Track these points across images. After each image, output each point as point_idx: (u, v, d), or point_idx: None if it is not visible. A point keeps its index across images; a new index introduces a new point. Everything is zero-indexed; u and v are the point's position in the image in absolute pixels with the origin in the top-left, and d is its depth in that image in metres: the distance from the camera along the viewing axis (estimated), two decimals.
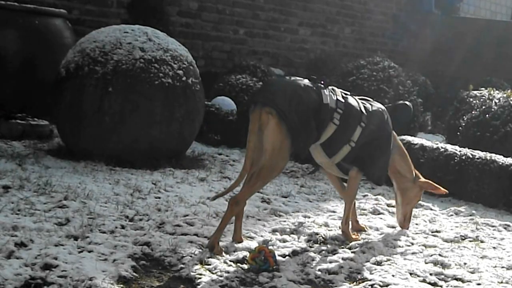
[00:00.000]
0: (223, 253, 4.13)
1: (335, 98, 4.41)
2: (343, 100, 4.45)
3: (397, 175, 4.96)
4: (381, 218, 5.43)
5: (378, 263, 4.27)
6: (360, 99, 4.72)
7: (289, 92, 4.19)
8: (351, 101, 4.54)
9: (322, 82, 4.41)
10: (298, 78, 4.40)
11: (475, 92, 8.60)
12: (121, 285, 3.56)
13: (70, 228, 4.23)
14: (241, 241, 4.39)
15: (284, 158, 4.22)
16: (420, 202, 5.96)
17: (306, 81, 4.34)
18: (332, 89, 4.48)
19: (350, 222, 4.80)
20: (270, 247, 4.17)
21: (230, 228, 4.56)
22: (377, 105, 4.77)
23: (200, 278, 3.73)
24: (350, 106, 4.49)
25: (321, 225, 4.97)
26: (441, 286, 4.01)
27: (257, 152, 4.20)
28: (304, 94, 4.22)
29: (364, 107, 4.62)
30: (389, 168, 4.84)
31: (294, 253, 4.32)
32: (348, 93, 4.64)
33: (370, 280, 3.96)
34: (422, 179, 5.00)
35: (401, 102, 5.32)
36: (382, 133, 4.68)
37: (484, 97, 8.15)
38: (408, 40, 15.32)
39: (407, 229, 5.05)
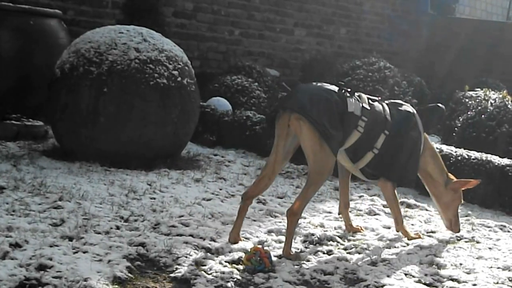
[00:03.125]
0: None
1: (361, 106, 4.45)
2: (368, 108, 4.50)
3: (428, 178, 4.96)
4: (377, 219, 5.42)
5: (374, 264, 4.27)
6: (390, 103, 4.79)
7: (316, 98, 4.27)
8: (377, 108, 4.60)
9: (348, 89, 4.44)
10: (324, 84, 4.47)
11: (470, 92, 8.61)
12: (116, 286, 3.55)
13: (65, 229, 4.23)
14: (237, 241, 4.39)
15: (328, 159, 4.27)
16: (415, 202, 5.98)
17: (332, 87, 4.40)
18: (359, 95, 4.52)
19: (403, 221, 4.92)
20: (265, 248, 4.17)
21: (226, 229, 4.58)
22: (406, 109, 4.81)
23: (195, 279, 3.73)
24: (375, 113, 4.55)
25: (316, 226, 4.97)
26: (436, 286, 4.00)
27: (281, 157, 4.33)
28: (330, 100, 4.28)
29: (390, 113, 4.66)
30: (419, 170, 4.86)
31: None
32: (376, 98, 4.71)
33: (365, 280, 3.96)
34: (454, 179, 4.96)
35: (433, 104, 5.32)
36: (408, 137, 4.71)
37: (479, 98, 8.16)
38: (404, 41, 15.31)
39: (458, 232, 5.02)
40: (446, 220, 5.01)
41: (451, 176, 4.98)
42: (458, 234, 5.06)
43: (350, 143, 4.47)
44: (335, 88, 4.40)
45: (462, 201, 5.00)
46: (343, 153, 4.57)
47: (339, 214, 5.05)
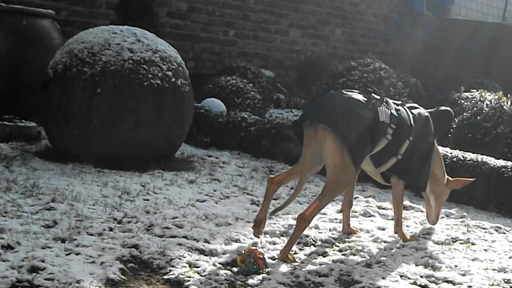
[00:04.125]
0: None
1: (389, 113, 4.49)
2: (396, 114, 4.55)
3: (433, 179, 5.05)
4: (372, 221, 5.41)
5: (369, 266, 4.26)
6: (409, 107, 4.83)
7: (346, 109, 4.27)
8: (403, 114, 4.63)
9: (377, 97, 4.46)
10: (354, 92, 4.47)
11: (466, 94, 8.61)
12: None
13: (57, 231, 4.20)
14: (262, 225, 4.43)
15: (347, 171, 4.28)
16: (411, 204, 5.98)
17: (361, 97, 4.40)
18: (386, 101, 4.54)
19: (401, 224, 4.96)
20: (259, 250, 4.16)
21: (220, 231, 4.57)
22: (423, 113, 4.87)
23: (189, 281, 3.71)
24: (402, 120, 4.59)
25: (311, 228, 4.93)
26: None
27: (310, 168, 4.39)
28: (360, 112, 4.30)
29: (413, 118, 4.71)
30: None
31: None
32: (399, 102, 4.75)
33: (360, 282, 3.95)
34: (450, 179, 5.16)
35: (443, 108, 5.36)
36: (427, 142, 4.82)
37: (475, 99, 8.15)
38: (400, 42, 15.33)
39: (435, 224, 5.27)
40: (433, 215, 5.20)
41: (447, 176, 5.17)
42: (453, 236, 5.08)
43: (378, 149, 4.53)
44: (364, 98, 4.39)
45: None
46: (367, 158, 4.62)
47: (340, 211, 5.07)
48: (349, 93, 4.45)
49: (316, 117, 4.25)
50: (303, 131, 4.32)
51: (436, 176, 5.05)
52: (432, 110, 5.17)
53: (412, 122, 4.67)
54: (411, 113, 4.76)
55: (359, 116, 4.27)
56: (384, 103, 4.50)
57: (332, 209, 5.40)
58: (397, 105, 4.70)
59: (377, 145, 4.46)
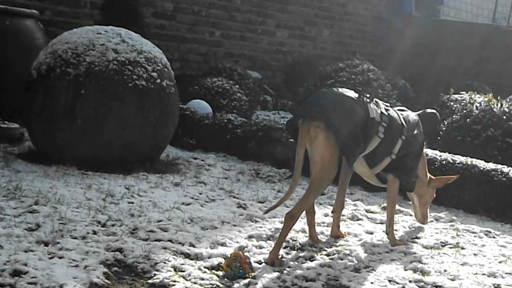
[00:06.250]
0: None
1: (380, 112, 4.56)
2: (386, 113, 4.61)
3: (417, 179, 5.11)
4: (360, 224, 5.39)
5: (357, 270, 4.24)
6: (398, 109, 4.91)
7: (339, 105, 4.32)
8: (393, 114, 4.71)
9: (368, 95, 4.52)
10: (345, 90, 4.53)
11: (455, 96, 8.58)
12: None
13: (40, 234, 4.16)
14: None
15: (334, 169, 4.33)
16: (399, 208, 5.96)
17: (352, 93, 4.47)
18: (376, 101, 4.61)
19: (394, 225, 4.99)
20: (246, 254, 4.14)
21: (205, 235, 4.54)
22: (412, 115, 4.96)
23: (173, 285, 3.68)
24: (393, 119, 4.66)
25: (298, 231, 4.92)
26: None
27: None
28: (352, 107, 4.36)
29: (404, 119, 4.79)
30: None
31: None
32: (388, 104, 4.83)
33: (348, 287, 3.93)
34: (433, 178, 5.25)
35: (429, 110, 5.41)
36: (418, 143, 4.86)
37: (465, 101, 8.13)
38: (388, 43, 15.35)
39: (426, 224, 5.39)
40: (421, 215, 5.31)
41: (429, 175, 5.26)
42: (442, 240, 5.07)
43: (370, 149, 4.56)
44: (355, 95, 4.46)
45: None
46: (361, 159, 4.68)
47: (332, 212, 5.04)
48: (340, 90, 4.51)
49: (309, 114, 4.29)
50: (297, 130, 4.34)
51: (419, 177, 5.11)
52: (419, 112, 5.22)
53: (403, 122, 4.72)
54: (400, 113, 4.82)
55: (351, 111, 4.33)
56: (374, 102, 4.56)
57: (319, 213, 5.36)
58: (387, 106, 4.75)
59: (369, 143, 4.49)
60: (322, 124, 4.19)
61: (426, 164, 5.22)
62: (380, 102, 4.68)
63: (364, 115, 4.39)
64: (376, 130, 4.49)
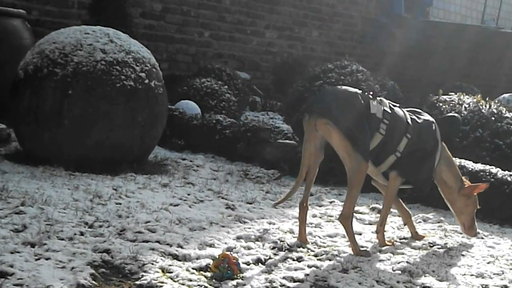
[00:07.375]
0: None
1: (382, 109, 4.60)
2: (390, 111, 4.65)
3: (442, 185, 5.08)
4: None
5: (345, 271, 4.22)
6: (409, 111, 4.93)
7: (343, 101, 4.47)
8: (398, 112, 4.74)
9: (371, 93, 4.61)
10: (349, 87, 4.65)
11: (444, 97, 8.56)
12: None
13: (27, 235, 4.13)
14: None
15: (354, 157, 4.43)
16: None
17: (355, 90, 4.58)
18: (380, 100, 4.67)
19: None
20: (234, 255, 4.12)
21: (193, 236, 4.53)
22: (426, 117, 4.95)
23: (161, 286, 3.66)
24: (396, 117, 4.69)
25: (286, 232, 4.90)
26: None
27: (312, 160, 4.56)
28: (355, 100, 4.48)
29: (411, 118, 4.81)
30: (435, 177, 5.00)
31: (259, 261, 4.25)
32: (397, 104, 4.85)
33: None
34: (466, 185, 5.08)
35: (450, 114, 5.41)
36: (427, 143, 4.83)
37: (453, 102, 8.12)
38: (378, 44, 15.34)
39: (474, 236, 5.20)
40: (460, 224, 5.16)
41: (467, 182, 5.09)
42: (430, 241, 5.06)
43: (373, 146, 4.57)
44: (359, 91, 4.56)
45: (478, 207, 5.11)
46: None
47: (404, 224, 5.22)
48: (344, 87, 4.66)
49: (313, 110, 4.44)
50: (303, 128, 4.50)
51: (445, 182, 5.04)
52: (439, 117, 5.29)
53: (408, 121, 4.74)
54: (409, 114, 4.85)
55: (354, 105, 4.43)
56: (378, 100, 4.61)
57: (308, 213, 5.33)
58: (394, 105, 4.78)
59: (371, 140, 4.53)
60: (330, 121, 4.33)
61: (457, 171, 5.09)
62: (386, 101, 4.72)
63: (365, 110, 4.47)
64: (377, 127, 4.52)
